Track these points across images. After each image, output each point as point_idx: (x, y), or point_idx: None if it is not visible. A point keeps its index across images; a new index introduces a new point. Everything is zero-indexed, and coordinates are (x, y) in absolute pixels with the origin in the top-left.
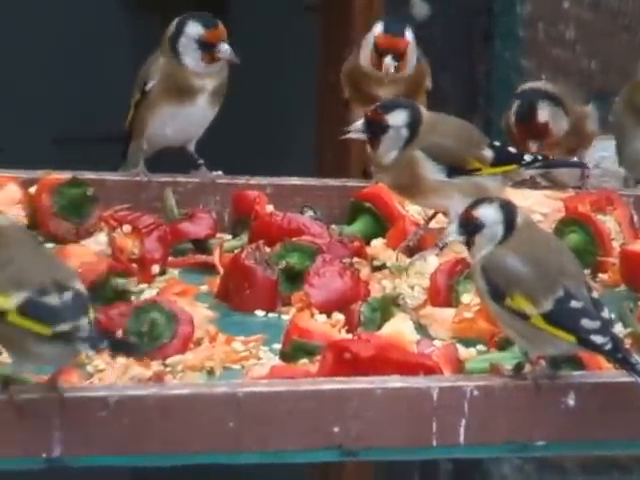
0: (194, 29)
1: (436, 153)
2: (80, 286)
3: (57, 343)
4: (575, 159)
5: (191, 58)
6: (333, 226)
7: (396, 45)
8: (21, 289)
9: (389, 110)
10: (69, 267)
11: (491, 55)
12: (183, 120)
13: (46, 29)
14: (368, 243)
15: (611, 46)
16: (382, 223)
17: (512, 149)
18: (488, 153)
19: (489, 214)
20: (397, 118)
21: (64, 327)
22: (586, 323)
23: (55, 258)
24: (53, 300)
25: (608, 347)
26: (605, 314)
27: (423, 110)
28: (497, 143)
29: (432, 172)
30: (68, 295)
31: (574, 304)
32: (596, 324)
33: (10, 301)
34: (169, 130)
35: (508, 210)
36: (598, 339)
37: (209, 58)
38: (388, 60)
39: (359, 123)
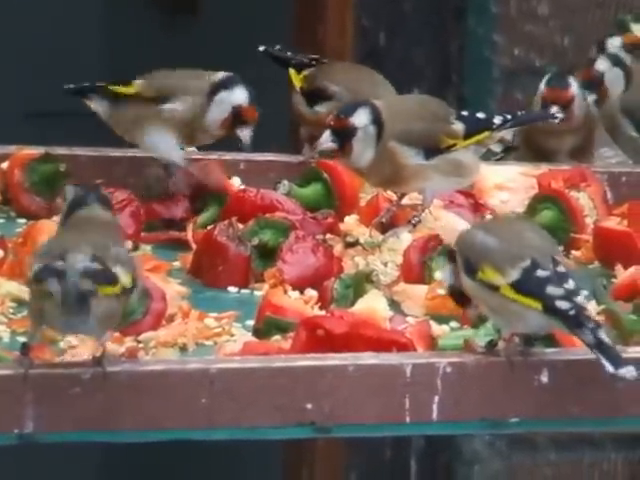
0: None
1: (409, 139)
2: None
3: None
4: (546, 111)
5: None
6: (285, 181)
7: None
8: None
9: (351, 113)
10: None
11: (464, 31)
12: None
13: (16, 3)
14: (312, 211)
15: (584, 22)
16: (332, 198)
17: (480, 115)
18: (459, 126)
19: (362, 118)
20: (361, 118)
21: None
22: (551, 290)
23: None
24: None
25: (572, 312)
26: (569, 285)
27: (377, 101)
28: (465, 113)
29: (410, 158)
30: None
31: (540, 273)
32: (561, 291)
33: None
34: None
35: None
36: (563, 304)
37: None
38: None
39: (325, 135)
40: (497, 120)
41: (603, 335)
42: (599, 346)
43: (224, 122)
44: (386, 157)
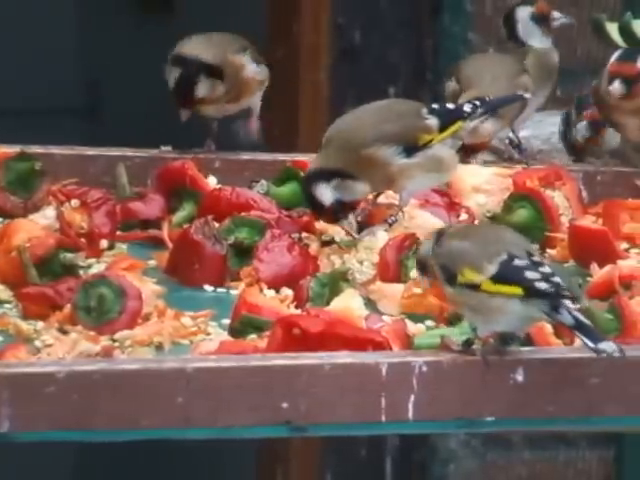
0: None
1: (386, 139)
2: None
3: None
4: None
5: None
6: (262, 181)
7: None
8: None
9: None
10: None
11: (439, 29)
12: None
13: None
14: (289, 210)
15: None
16: None
17: (450, 105)
18: (433, 121)
19: None
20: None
21: None
22: (530, 274)
23: None
24: None
25: (552, 290)
26: (545, 270)
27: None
28: (435, 105)
29: (393, 157)
30: None
31: (518, 262)
32: (538, 275)
33: None
34: None
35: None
36: (542, 285)
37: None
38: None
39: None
40: (467, 108)
41: (581, 316)
42: (579, 326)
43: None
44: (370, 162)
